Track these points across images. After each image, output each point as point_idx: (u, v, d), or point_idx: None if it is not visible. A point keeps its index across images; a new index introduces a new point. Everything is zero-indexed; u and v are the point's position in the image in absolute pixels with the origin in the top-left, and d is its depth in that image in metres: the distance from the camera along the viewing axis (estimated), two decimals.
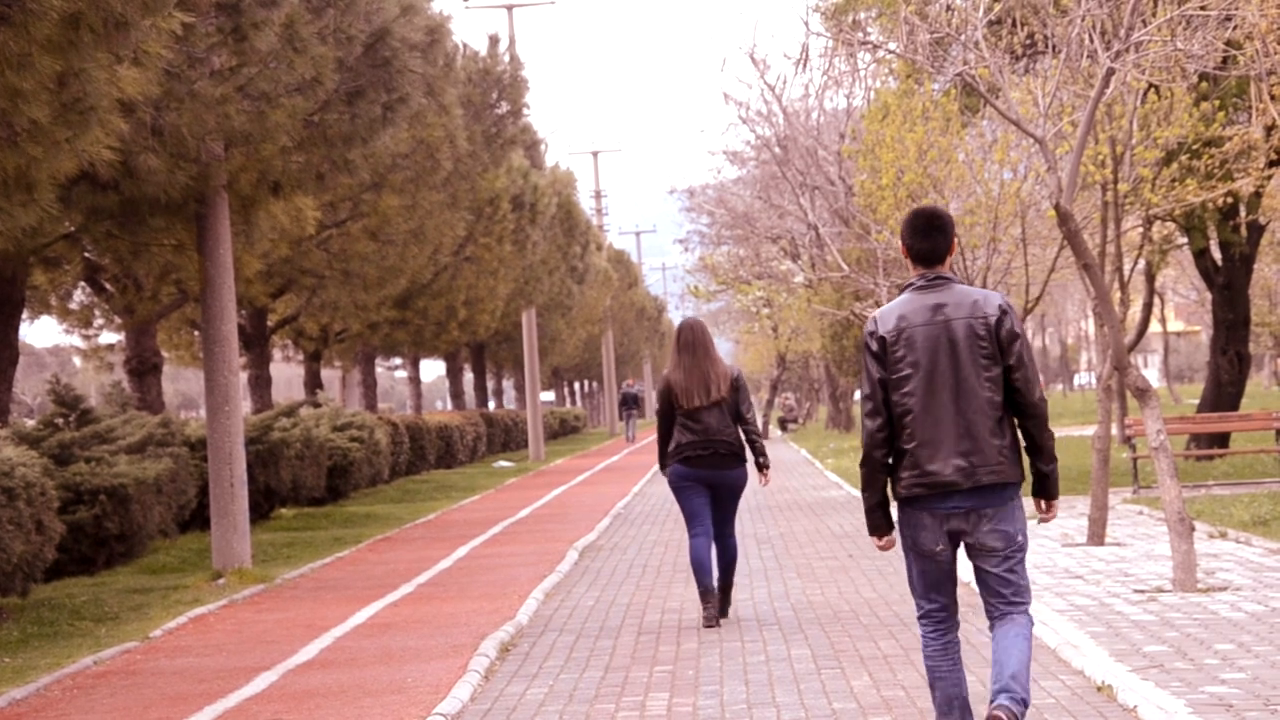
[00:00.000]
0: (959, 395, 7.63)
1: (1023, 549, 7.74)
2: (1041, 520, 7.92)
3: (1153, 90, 18.45)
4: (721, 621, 13.40)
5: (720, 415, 13.16)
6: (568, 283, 59.71)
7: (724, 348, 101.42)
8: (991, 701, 7.54)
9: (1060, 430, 51.77)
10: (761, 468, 13.71)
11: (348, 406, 46.62)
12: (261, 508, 26.10)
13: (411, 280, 35.54)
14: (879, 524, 7.80)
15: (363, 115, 20.45)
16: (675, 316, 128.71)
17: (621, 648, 12.44)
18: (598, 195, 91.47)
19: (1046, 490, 7.83)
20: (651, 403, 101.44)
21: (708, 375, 13.15)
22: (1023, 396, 7.69)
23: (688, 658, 11.76)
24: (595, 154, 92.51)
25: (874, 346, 7.73)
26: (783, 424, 71.39)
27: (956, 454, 7.59)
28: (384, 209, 29.90)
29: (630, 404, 71.87)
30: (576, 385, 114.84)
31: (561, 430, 79.11)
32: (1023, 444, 7.78)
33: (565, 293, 59.48)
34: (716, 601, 13.31)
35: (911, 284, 7.82)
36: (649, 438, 69.34)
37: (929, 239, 7.80)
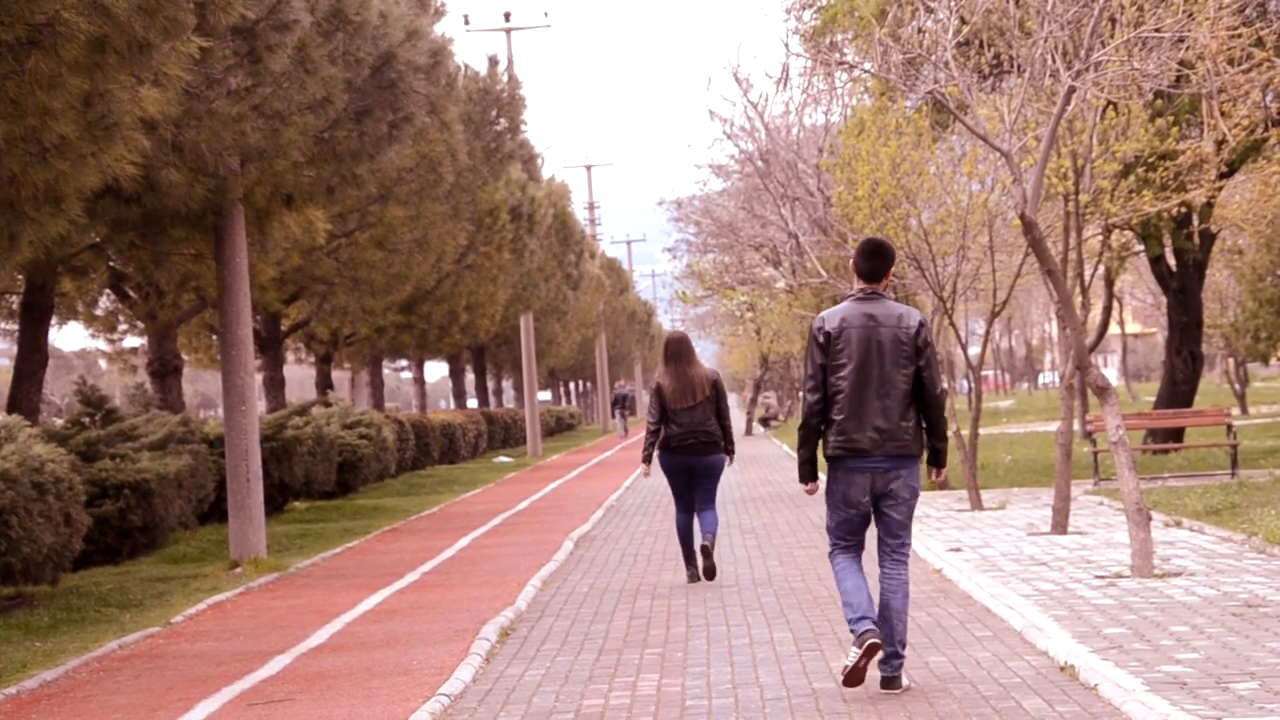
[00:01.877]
0: (881, 384, 9.36)
1: (916, 500, 9.52)
2: (934, 483, 9.66)
3: (1111, 107, 18.48)
4: (710, 578, 15.29)
5: (702, 412, 15.24)
6: (563, 289, 59.69)
7: (709, 350, 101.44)
8: (883, 661, 9.34)
9: (1025, 426, 51.85)
10: (729, 452, 15.56)
11: (356, 406, 46.59)
12: (276, 501, 26.08)
13: (416, 287, 35.51)
14: (808, 474, 9.66)
15: (370, 132, 20.45)
16: (664, 320, 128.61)
17: (614, 631, 12.45)
18: (591, 206, 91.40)
19: (939, 460, 9.74)
20: (642, 402, 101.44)
21: (692, 380, 15.24)
22: (927, 390, 9.43)
23: (677, 641, 11.76)
24: (589, 167, 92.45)
25: (820, 339, 9.49)
26: (764, 421, 71.37)
27: (873, 429, 9.35)
28: (390, 220, 29.87)
29: (622, 403, 71.84)
30: (571, 385, 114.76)
31: (557, 428, 79.08)
32: (924, 425, 9.48)
33: (561, 298, 59.45)
34: (696, 566, 15.50)
35: (854, 295, 9.57)
36: (640, 435, 69.33)
37: (872, 262, 9.53)
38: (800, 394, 11.80)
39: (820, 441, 9.54)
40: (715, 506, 15.55)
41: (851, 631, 9.31)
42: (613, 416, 76.51)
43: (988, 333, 24.03)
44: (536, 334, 55.73)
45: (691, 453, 15.23)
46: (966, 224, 21.84)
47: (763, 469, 35.63)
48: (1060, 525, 17.57)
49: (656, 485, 30.66)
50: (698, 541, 15.56)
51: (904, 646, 9.43)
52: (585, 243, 68.79)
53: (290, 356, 41.43)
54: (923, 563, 15.77)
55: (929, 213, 22.51)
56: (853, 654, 9.26)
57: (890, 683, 9.37)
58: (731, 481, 31.19)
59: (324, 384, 39.16)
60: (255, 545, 19.31)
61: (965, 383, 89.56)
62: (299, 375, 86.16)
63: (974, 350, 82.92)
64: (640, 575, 16.29)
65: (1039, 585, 13.39)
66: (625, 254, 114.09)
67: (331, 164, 20.16)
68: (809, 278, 29.65)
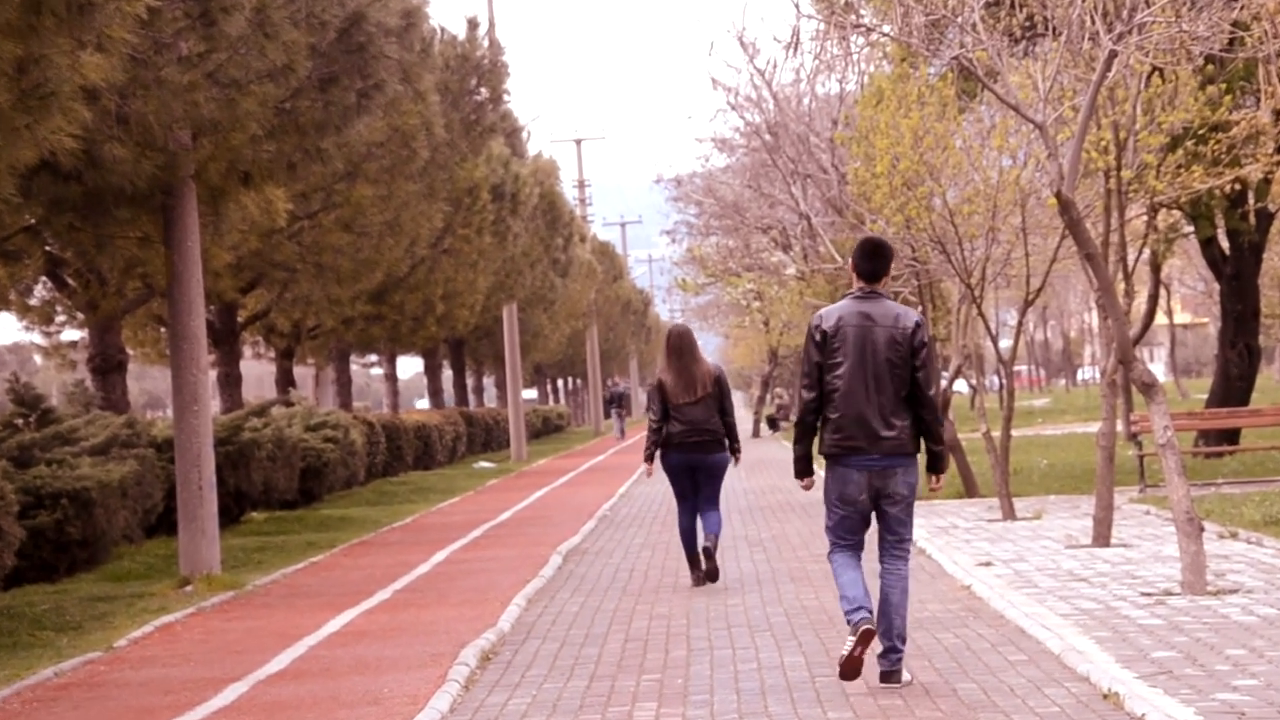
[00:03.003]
0: (877, 383, 10.28)
1: (914, 498, 10.46)
2: (932, 490, 10.87)
3: (1157, 73, 18.44)
4: (713, 580, 16.31)
5: (705, 408, 16.09)
6: (550, 276, 59.66)
7: (713, 343, 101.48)
8: (882, 655, 10.33)
9: (1062, 427, 51.89)
10: (734, 452, 16.39)
11: (321, 405, 46.55)
12: (231, 511, 26.04)
13: (387, 274, 35.47)
14: (804, 470, 10.79)
15: (336, 102, 20.40)
16: (662, 310, 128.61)
17: (607, 655, 12.42)
18: (581, 185, 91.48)
19: (937, 465, 10.69)
20: (638, 400, 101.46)
21: (695, 376, 16.07)
22: (922, 391, 10.34)
23: (676, 665, 11.74)
24: (578, 142, 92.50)
25: (817, 337, 10.41)
26: (772, 422, 71.34)
27: (870, 428, 10.26)
28: (358, 200, 29.83)
29: (617, 402, 71.82)
30: (560, 382, 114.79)
31: (544, 429, 79.08)
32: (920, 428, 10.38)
33: (548, 286, 59.42)
34: (700, 568, 16.41)
35: (852, 293, 10.52)
36: (638, 435, 69.37)
37: (872, 262, 10.49)
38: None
39: (816, 439, 10.53)
40: (719, 507, 16.48)
41: (848, 622, 10.20)
42: (607, 416, 76.53)
43: (1020, 324, 24.01)
44: (521, 326, 55.72)
45: (695, 451, 16.11)
46: (996, 203, 21.82)
47: (771, 475, 35.63)
48: (1102, 537, 17.56)
49: (654, 493, 30.63)
50: (701, 544, 16.36)
51: (904, 641, 10.39)
52: (575, 225, 68.76)
53: (248, 351, 41.39)
54: (950, 579, 15.77)
55: (955, 191, 22.50)
56: (848, 643, 10.12)
57: (889, 676, 10.35)
58: (737, 489, 31.19)
59: (285, 381, 39.12)
60: (208, 560, 19.27)
61: (996, 379, 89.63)
62: (257, 372, 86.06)
63: (1005, 343, 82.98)
64: (637, 593, 16.27)
65: (1079, 604, 13.37)
66: (619, 237, 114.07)
67: (293, 137, 20.12)
68: (822, 263, 29.66)
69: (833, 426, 10.34)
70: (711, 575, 16.28)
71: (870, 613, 10.13)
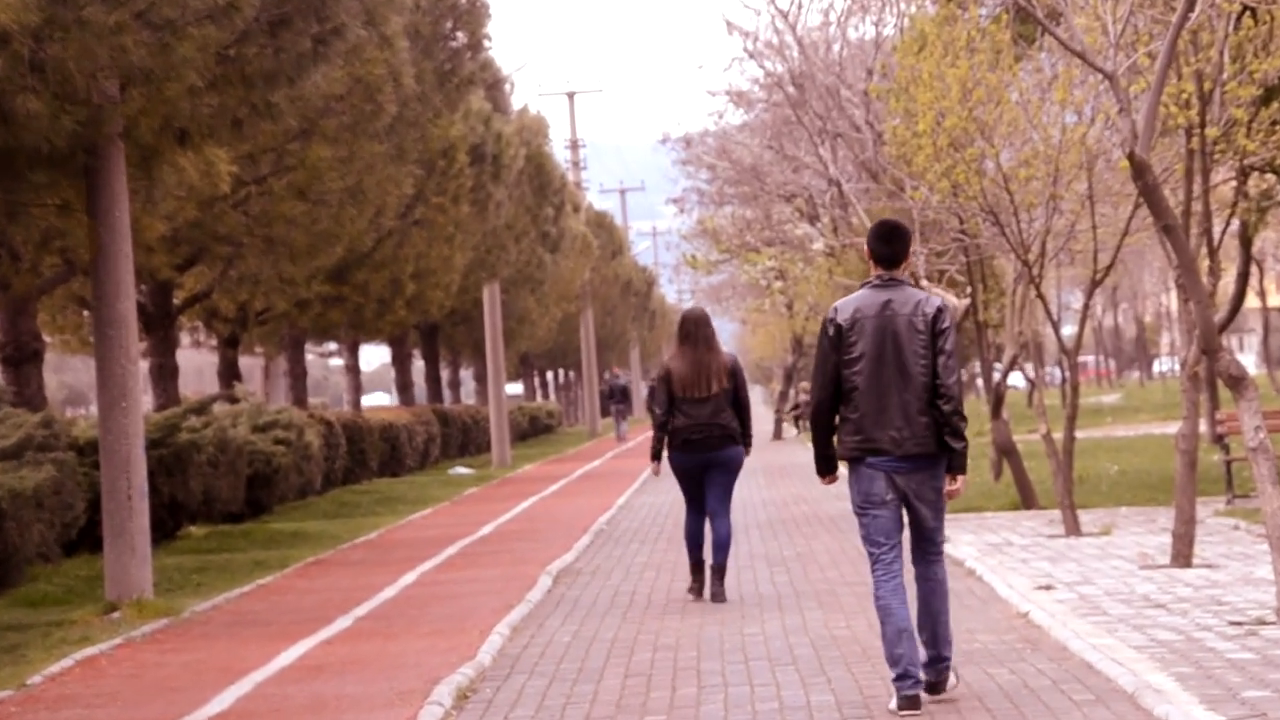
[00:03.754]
0: (899, 377, 10.90)
1: (943, 498, 11.10)
2: (948, 493, 11.14)
3: (1249, 13, 18.39)
4: (717, 602, 16.89)
5: (717, 403, 16.67)
6: (538, 251, 59.65)
7: (727, 330, 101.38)
8: (927, 665, 11.09)
9: (1136, 427, 51.87)
10: (745, 444, 17.06)
11: (271, 402, 46.57)
12: (166, 525, 26.04)
13: (348, 249, 35.46)
14: (826, 468, 11.51)
15: (288, 49, 20.36)
16: (668, 292, 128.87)
17: (605, 693, 12.41)
18: (574, 145, 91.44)
19: (956, 465, 11.08)
20: (641, 396, 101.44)
21: (709, 368, 16.61)
22: (940, 380, 10.90)
23: (685, 705, 11.73)
24: (571, 95, 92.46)
25: (831, 332, 11.04)
26: (798, 421, 71.35)
27: (893, 427, 10.89)
28: (314, 162, 29.81)
29: (617, 397, 71.79)
30: (549, 375, 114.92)
31: (532, 430, 79.17)
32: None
33: (535, 263, 59.42)
34: (704, 576, 17.22)
35: (870, 282, 11.12)
36: (641, 436, 69.40)
37: (890, 246, 11.08)
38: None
39: (834, 440, 11.29)
40: (729, 514, 17.26)
41: (892, 676, 10.94)
42: (605, 414, 76.54)
43: (1086, 307, 23.98)
44: (505, 309, 55.73)
45: (704, 448, 16.80)
46: (1059, 167, 21.78)
47: (795, 483, 35.61)
48: (1183, 556, 17.53)
49: (659, 503, 30.63)
50: (710, 563, 17.16)
51: (949, 646, 11.17)
52: (567, 192, 68.75)
53: (185, 338, 41.40)
54: (1004, 604, 15.74)
55: (1010, 153, 22.46)
56: (893, 700, 10.95)
57: (936, 688, 11.17)
58: (756, 500, 31.19)
59: (229, 374, 39.14)
60: (138, 582, 19.26)
61: (1058, 372, 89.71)
62: (196, 362, 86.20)
63: (1069, 330, 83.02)
64: (639, 620, 16.27)
65: (1155, 634, 13.35)
66: (618, 206, 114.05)
67: (238, 89, 20.09)
68: (854, 237, 29.62)
69: (852, 427, 11.02)
70: (716, 597, 16.98)
71: (921, 680, 10.90)
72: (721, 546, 17.13)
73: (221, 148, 22.33)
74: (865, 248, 11.21)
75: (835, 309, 11.07)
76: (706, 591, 17.27)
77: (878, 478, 10.98)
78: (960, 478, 11.12)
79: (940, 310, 10.96)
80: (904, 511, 11.17)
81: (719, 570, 17.13)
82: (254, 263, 31.54)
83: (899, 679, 10.85)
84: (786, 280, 53.58)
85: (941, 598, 11.16)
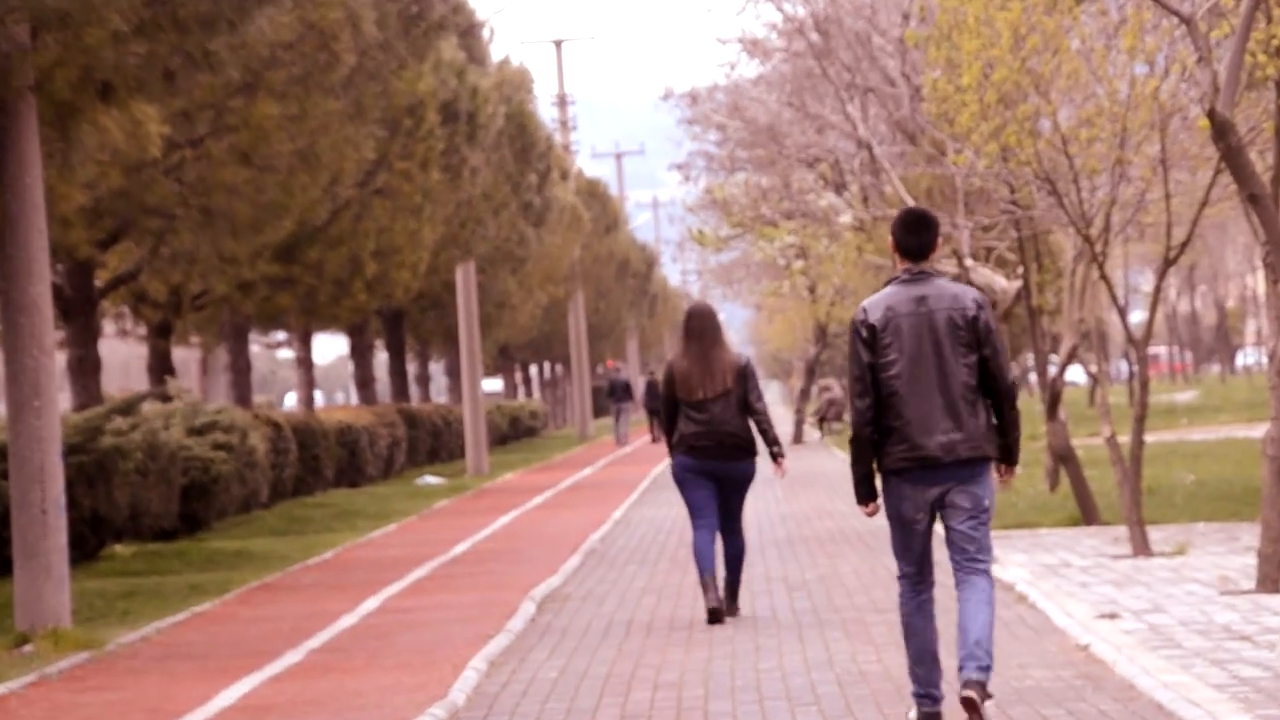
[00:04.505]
0: (941, 378, 11.47)
1: (988, 512, 11.64)
2: (1002, 482, 12.07)
3: None
4: (729, 619, 17.55)
5: (726, 406, 17.20)
6: (520, 225, 59.66)
7: (739, 318, 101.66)
8: (960, 669, 11.40)
9: (1215, 430, 51.91)
10: (776, 456, 17.77)
11: (209, 400, 46.56)
12: (87, 544, 26.05)
13: (300, 222, 35.46)
14: (866, 493, 11.79)
15: None
16: (672, 272, 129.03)
17: None
18: (562, 102, 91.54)
19: (1009, 457, 11.79)
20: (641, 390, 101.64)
21: (713, 366, 17.20)
22: (996, 381, 11.58)
23: None
24: (559, 44, 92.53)
25: (864, 334, 11.62)
26: (822, 424, 71.42)
27: (940, 431, 11.44)
28: (260, 121, 29.81)
29: (619, 394, 71.86)
30: (533, 370, 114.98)
31: (513, 432, 79.28)
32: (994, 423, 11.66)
33: (517, 240, 59.43)
34: (717, 590, 17.53)
35: (897, 277, 11.64)
36: (641, 440, 69.54)
37: (917, 236, 11.66)
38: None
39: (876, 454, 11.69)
40: (742, 532, 18.07)
41: (915, 699, 11.76)
42: (603, 414, 76.59)
43: (1158, 289, 23.96)
44: (482, 293, 55.76)
45: (717, 457, 17.37)
46: (1126, 126, 21.79)
47: (818, 494, 35.65)
48: (1270, 580, 17.55)
49: (661, 517, 30.68)
50: (721, 586, 17.76)
51: (989, 656, 11.50)
52: (554, 157, 68.76)
53: (109, 327, 41.38)
54: (1060, 635, 15.76)
55: (1069, 110, 22.47)
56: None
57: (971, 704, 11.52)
58: (773, 514, 31.22)
59: (161, 368, 39.15)
60: (54, 610, 19.25)
61: (1125, 365, 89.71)
62: (122, 354, 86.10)
63: (1137, 316, 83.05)
64: (636, 652, 16.30)
65: (1239, 670, 13.38)
66: (613, 173, 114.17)
67: (171, 36, 20.10)
68: (888, 208, 29.61)
69: (897, 436, 11.55)
70: (732, 609, 17.90)
71: (941, 697, 11.66)
72: (735, 563, 18.01)
73: (151, 104, 22.33)
74: (890, 241, 11.79)
75: (864, 309, 11.65)
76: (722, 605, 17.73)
77: (907, 494, 11.59)
78: (1013, 469, 11.86)
79: (980, 306, 11.56)
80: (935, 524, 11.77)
81: (732, 588, 17.95)
82: (189, 238, 31.52)
83: (919, 696, 11.68)
84: (808, 259, 53.52)
85: (979, 605, 11.55)
